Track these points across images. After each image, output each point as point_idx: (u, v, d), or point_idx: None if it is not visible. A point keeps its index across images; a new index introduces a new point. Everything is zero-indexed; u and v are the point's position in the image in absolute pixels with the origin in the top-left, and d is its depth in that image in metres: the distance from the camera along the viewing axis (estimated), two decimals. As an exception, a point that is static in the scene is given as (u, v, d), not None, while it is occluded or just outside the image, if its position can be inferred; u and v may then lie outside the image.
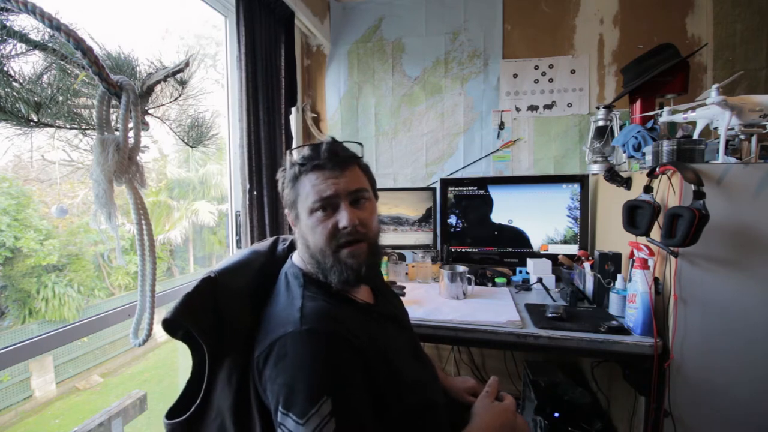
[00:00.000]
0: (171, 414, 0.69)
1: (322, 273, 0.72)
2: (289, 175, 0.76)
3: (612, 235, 1.41)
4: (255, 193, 1.47)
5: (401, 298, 1.13)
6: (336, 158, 0.72)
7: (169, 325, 0.66)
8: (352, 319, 0.70)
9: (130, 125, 0.65)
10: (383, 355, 0.69)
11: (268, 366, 0.62)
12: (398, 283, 1.46)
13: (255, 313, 0.73)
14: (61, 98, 0.61)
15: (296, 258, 0.80)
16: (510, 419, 0.79)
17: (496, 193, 1.72)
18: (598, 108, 1.61)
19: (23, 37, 0.57)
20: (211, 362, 0.68)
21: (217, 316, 0.70)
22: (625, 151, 1.38)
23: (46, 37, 0.58)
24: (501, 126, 1.93)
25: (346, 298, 0.75)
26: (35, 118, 0.59)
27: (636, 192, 1.20)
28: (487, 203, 1.72)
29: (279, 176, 0.80)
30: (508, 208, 1.71)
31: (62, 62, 0.61)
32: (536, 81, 1.88)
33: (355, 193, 0.73)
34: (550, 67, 1.86)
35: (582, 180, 1.61)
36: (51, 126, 0.62)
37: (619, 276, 1.22)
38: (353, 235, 0.71)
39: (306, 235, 0.74)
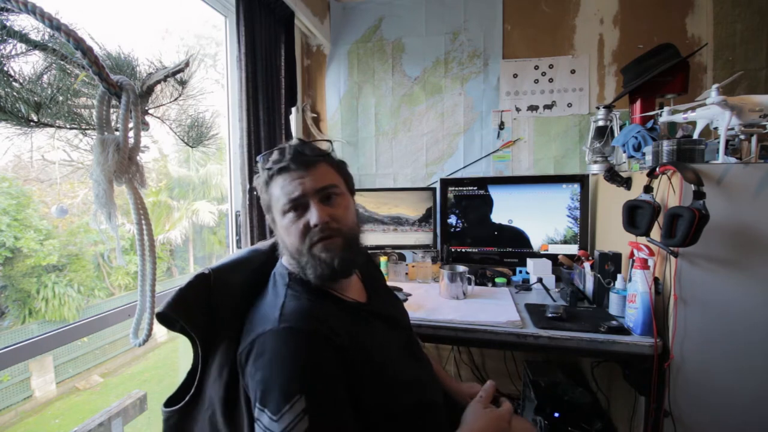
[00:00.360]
0: (168, 403, 0.71)
1: (302, 271, 0.73)
2: (262, 181, 0.77)
3: (612, 235, 1.41)
4: (255, 193, 1.47)
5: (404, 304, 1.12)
6: (301, 158, 0.73)
7: (163, 319, 0.68)
8: (335, 318, 0.70)
9: (130, 125, 0.65)
10: (367, 354, 0.69)
11: (249, 362, 0.64)
12: (403, 290, 1.46)
13: (247, 310, 0.74)
14: (61, 98, 0.61)
15: (284, 259, 0.80)
16: (503, 427, 0.76)
17: (496, 193, 1.72)
18: (598, 108, 1.61)
19: (23, 37, 0.57)
20: (204, 355, 0.70)
21: (211, 311, 0.71)
22: (625, 151, 1.38)
23: (46, 37, 0.58)
24: (501, 126, 1.93)
25: (331, 296, 0.75)
26: (35, 118, 0.59)
27: (636, 192, 1.20)
28: (487, 203, 1.72)
29: (255, 183, 0.81)
30: (508, 208, 1.71)
31: (62, 62, 0.61)
32: (536, 81, 1.88)
33: (324, 190, 0.73)
34: (550, 67, 1.86)
35: (582, 180, 1.61)
36: (51, 126, 0.62)
37: (619, 276, 1.22)
38: (325, 232, 0.71)
39: (283, 236, 0.75)
